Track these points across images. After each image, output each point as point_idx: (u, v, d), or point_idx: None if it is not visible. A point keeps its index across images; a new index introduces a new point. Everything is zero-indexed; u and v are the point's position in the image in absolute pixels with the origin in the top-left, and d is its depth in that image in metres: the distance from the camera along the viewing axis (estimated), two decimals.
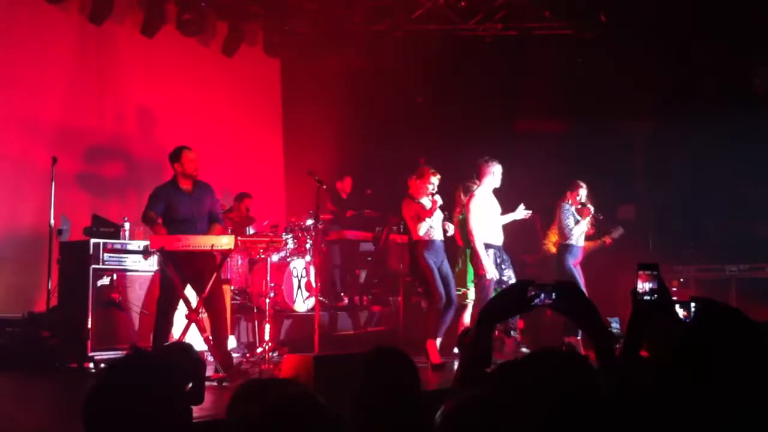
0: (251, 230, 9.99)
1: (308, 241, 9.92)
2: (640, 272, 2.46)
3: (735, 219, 10.19)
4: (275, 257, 9.12)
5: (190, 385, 4.17)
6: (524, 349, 8.07)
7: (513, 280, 7.60)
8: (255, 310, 8.34)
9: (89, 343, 6.84)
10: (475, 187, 8.02)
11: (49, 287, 8.36)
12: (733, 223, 10.13)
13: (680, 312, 2.57)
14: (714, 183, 10.30)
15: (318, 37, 12.07)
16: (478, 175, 7.97)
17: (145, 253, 7.38)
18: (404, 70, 11.15)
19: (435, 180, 7.55)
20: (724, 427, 1.63)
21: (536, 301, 2.16)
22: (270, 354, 7.11)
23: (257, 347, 7.39)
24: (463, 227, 8.01)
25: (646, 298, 2.45)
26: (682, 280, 10.53)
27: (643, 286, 2.46)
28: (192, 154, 6.97)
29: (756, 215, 10.31)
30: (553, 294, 2.15)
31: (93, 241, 7.23)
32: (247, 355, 7.30)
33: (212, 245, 6.67)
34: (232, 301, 8.78)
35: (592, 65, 10.99)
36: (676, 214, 10.44)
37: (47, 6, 9.78)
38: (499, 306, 2.24)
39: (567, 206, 8.61)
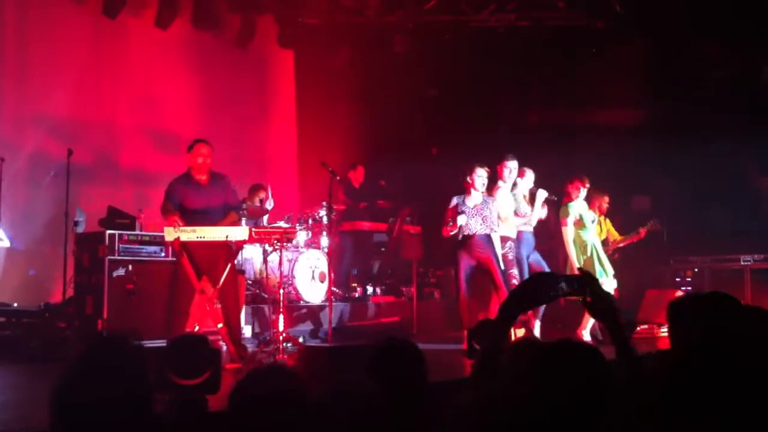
0: (265, 221, 10.01)
1: (322, 232, 9.94)
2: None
3: (749, 209, 10.12)
4: (289, 248, 9.14)
5: (207, 374, 4.21)
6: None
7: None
8: (269, 301, 8.37)
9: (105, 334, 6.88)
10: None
11: (65, 278, 8.43)
12: (747, 212, 10.06)
13: None
14: (729, 172, 10.23)
15: (331, 29, 12.07)
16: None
17: (160, 244, 7.41)
18: (416, 61, 11.13)
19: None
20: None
21: (555, 292, 2.18)
22: (284, 344, 7.15)
23: (271, 338, 7.42)
24: None
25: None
26: (696, 270, 10.47)
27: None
28: (202, 147, 6.96)
29: None
30: (575, 285, 2.17)
31: (108, 232, 7.27)
32: (261, 345, 7.33)
33: (226, 236, 6.71)
34: (247, 292, 8.82)
35: (604, 56, 10.95)
36: (691, 204, 10.37)
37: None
38: (519, 297, 2.26)
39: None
